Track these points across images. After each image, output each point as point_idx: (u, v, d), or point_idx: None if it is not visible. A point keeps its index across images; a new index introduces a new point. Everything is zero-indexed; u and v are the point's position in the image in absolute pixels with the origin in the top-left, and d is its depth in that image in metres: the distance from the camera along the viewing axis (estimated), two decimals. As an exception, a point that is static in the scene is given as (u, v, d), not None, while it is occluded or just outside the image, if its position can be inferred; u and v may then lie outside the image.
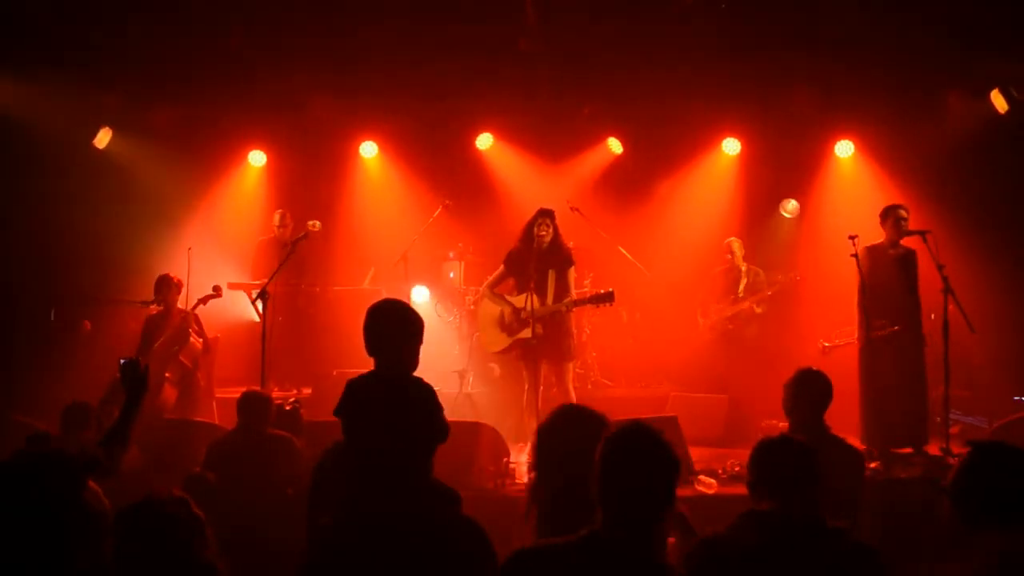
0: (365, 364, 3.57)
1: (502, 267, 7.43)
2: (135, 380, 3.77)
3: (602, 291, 7.12)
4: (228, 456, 5.53)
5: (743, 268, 9.00)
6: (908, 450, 6.93)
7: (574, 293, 7.33)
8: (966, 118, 9.31)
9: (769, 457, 3.14)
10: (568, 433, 3.34)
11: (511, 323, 7.30)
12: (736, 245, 9.06)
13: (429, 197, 10.00)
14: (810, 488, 3.02)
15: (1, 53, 8.48)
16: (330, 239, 10.04)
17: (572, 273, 7.27)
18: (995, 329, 8.20)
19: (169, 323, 7.98)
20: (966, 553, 2.44)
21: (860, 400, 7.06)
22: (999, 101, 9.11)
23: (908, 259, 7.25)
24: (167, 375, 7.81)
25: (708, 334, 9.04)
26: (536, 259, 7.07)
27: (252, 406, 5.66)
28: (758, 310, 8.81)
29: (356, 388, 3.04)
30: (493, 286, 7.49)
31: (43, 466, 1.97)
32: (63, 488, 1.95)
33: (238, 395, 5.82)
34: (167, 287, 8.04)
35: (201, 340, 8.12)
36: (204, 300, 8.11)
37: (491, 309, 7.47)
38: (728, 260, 9.06)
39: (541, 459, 3.39)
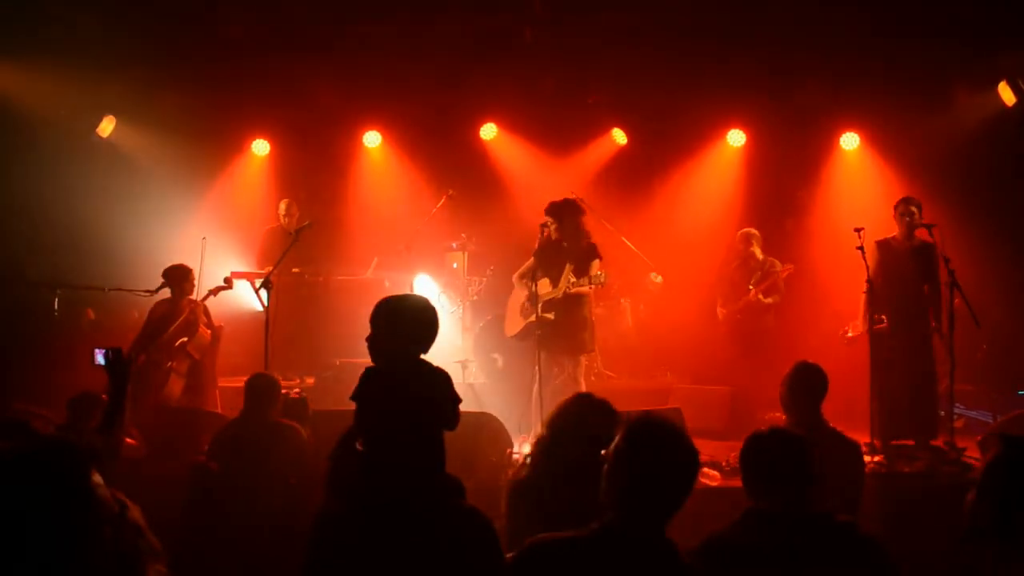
0: (367, 354, 3.55)
1: (532, 259, 7.46)
2: (119, 367, 3.85)
3: (591, 274, 7.07)
4: (233, 442, 5.49)
5: (760, 259, 8.80)
6: (910, 442, 6.92)
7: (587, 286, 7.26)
8: (973, 111, 9.28)
9: (760, 452, 3.09)
10: (579, 420, 3.34)
11: (525, 307, 7.44)
12: (749, 235, 8.87)
13: (433, 187, 9.99)
14: (805, 482, 2.97)
15: (3, 40, 8.46)
16: (334, 229, 10.03)
17: (596, 265, 7.18)
18: (1000, 323, 8.18)
19: (178, 313, 7.93)
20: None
21: (868, 393, 7.02)
22: (1006, 93, 9.08)
23: (924, 252, 7.18)
24: (173, 365, 7.76)
25: (723, 326, 8.95)
26: (552, 253, 7.23)
27: (259, 390, 5.57)
28: (766, 300, 8.67)
29: (372, 374, 2.99)
30: (522, 276, 7.54)
31: (53, 456, 1.96)
32: (74, 478, 1.95)
33: (241, 384, 5.78)
34: (182, 277, 7.94)
35: (210, 332, 8.06)
36: (215, 291, 8.05)
37: (518, 295, 7.64)
38: (744, 251, 8.88)
39: (549, 442, 3.40)
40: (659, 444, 2.54)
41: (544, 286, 7.27)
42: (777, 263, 8.74)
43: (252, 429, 5.51)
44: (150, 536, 2.51)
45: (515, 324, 7.67)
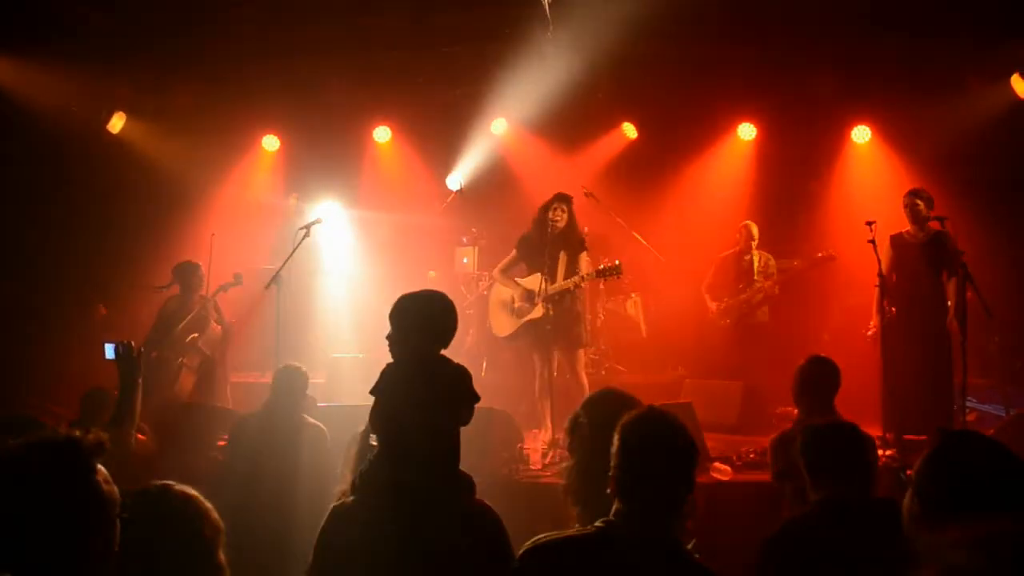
0: (378, 350, 3.55)
1: (514, 252, 7.35)
2: (129, 361, 3.86)
3: (607, 265, 6.97)
4: (255, 438, 5.31)
5: (755, 253, 8.85)
6: (923, 437, 6.88)
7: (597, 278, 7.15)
8: (985, 103, 9.20)
9: (822, 443, 3.12)
10: (606, 417, 3.32)
11: (520, 306, 7.17)
12: (754, 229, 8.88)
13: (443, 182, 9.98)
14: (871, 469, 3.02)
15: (14, 38, 8.48)
16: (344, 224, 10.04)
17: (584, 258, 7.15)
18: (1013, 316, 8.13)
19: (188, 309, 7.95)
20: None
21: (880, 387, 6.98)
22: (1019, 85, 8.99)
23: (936, 242, 7.14)
24: (184, 361, 7.77)
25: (721, 320, 8.94)
26: (549, 243, 6.97)
27: (289, 383, 5.40)
28: (775, 291, 8.70)
29: (392, 369, 2.97)
30: (504, 271, 7.42)
31: (53, 451, 1.96)
32: (74, 473, 1.94)
33: (251, 380, 5.75)
34: (191, 273, 7.97)
35: (220, 327, 8.07)
36: (224, 287, 8.08)
37: (502, 294, 7.38)
38: (742, 244, 8.90)
39: (576, 441, 3.37)
40: (651, 435, 2.48)
41: (534, 281, 7.07)
42: (771, 259, 8.82)
43: (278, 425, 5.30)
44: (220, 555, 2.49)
45: (506, 323, 7.29)
